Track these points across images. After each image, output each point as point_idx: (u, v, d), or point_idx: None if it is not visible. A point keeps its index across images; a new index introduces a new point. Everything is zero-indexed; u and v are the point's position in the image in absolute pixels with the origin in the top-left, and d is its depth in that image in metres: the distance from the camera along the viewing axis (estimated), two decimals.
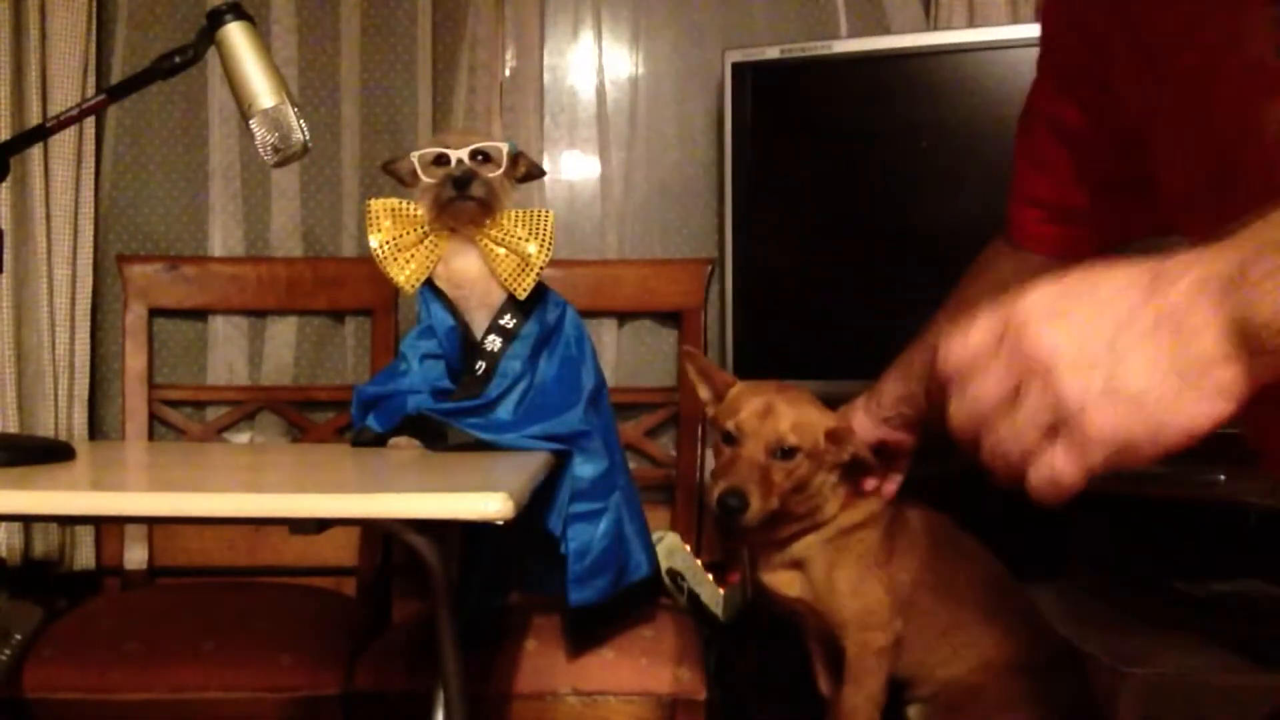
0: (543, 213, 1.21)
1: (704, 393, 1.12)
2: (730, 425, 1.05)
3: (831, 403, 1.10)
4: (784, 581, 1.12)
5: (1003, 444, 0.49)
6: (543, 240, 1.19)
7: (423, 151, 1.19)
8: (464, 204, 1.16)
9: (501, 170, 1.20)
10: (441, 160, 1.18)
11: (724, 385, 1.10)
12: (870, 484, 1.11)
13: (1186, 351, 0.43)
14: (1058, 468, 0.47)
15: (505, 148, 1.21)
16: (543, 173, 1.32)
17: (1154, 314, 0.44)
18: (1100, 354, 0.45)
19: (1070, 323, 0.46)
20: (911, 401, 1.06)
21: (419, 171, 1.18)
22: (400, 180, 1.24)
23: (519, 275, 1.18)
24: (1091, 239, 0.94)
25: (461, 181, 1.15)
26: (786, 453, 1.04)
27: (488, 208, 1.18)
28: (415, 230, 1.19)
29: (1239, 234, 0.45)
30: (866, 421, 1.09)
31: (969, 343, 0.50)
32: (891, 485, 1.12)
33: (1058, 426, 0.47)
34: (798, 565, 1.11)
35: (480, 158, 1.19)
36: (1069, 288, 0.47)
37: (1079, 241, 0.95)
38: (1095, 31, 0.81)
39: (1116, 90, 0.80)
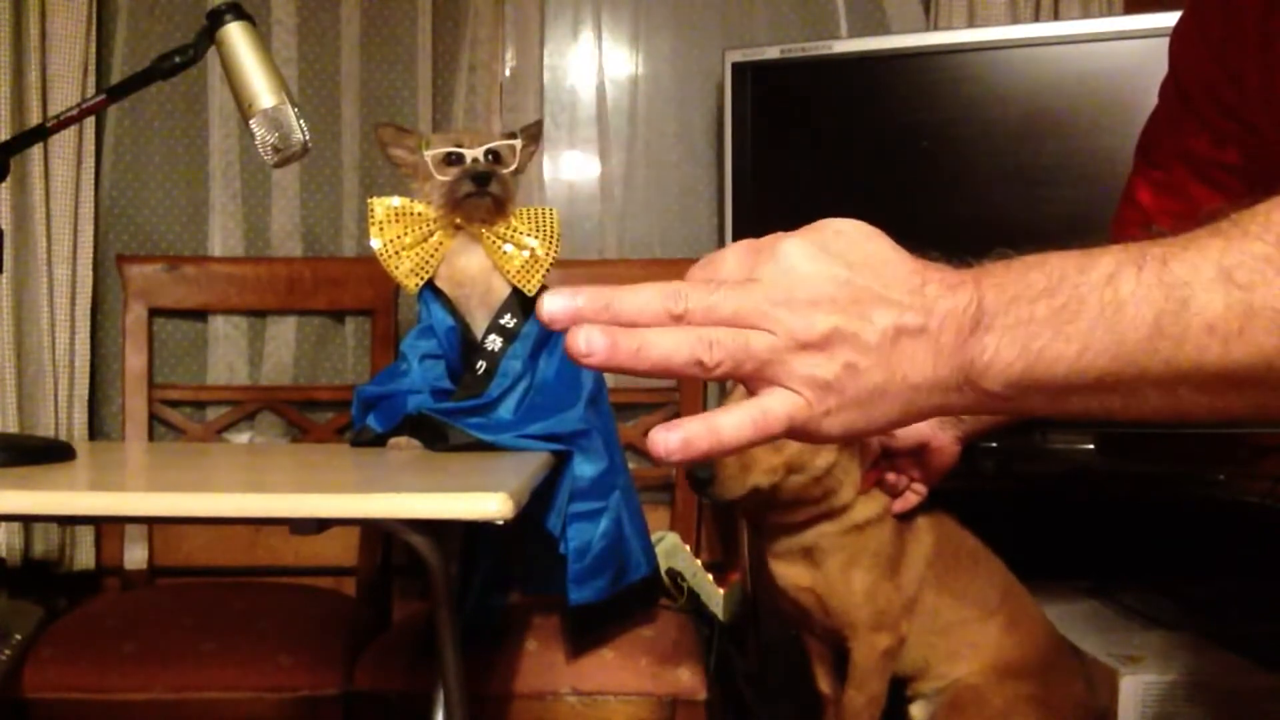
0: (548, 210, 1.22)
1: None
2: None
3: None
4: (795, 573, 1.11)
5: (721, 342, 0.45)
6: (549, 237, 1.20)
7: (434, 151, 1.19)
8: (480, 200, 1.17)
9: (513, 168, 1.21)
10: (453, 159, 1.19)
11: None
12: (892, 478, 1.10)
13: (932, 372, 0.47)
14: (770, 405, 0.46)
15: (518, 144, 1.22)
16: (539, 123, 1.34)
17: (920, 320, 0.46)
18: (867, 322, 0.46)
19: (840, 267, 0.46)
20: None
21: (431, 169, 1.19)
22: (393, 160, 1.25)
23: (527, 273, 1.19)
24: None
25: (481, 178, 1.16)
26: None
27: (502, 206, 1.19)
28: (418, 229, 1.19)
29: (1010, 268, 0.47)
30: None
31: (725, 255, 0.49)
32: (904, 503, 1.11)
33: (785, 362, 0.46)
34: (809, 554, 1.10)
35: (492, 157, 1.20)
36: (846, 245, 0.47)
37: None
38: (1232, 63, 0.80)
39: (1257, 127, 0.80)
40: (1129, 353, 0.45)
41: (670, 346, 0.45)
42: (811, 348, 0.45)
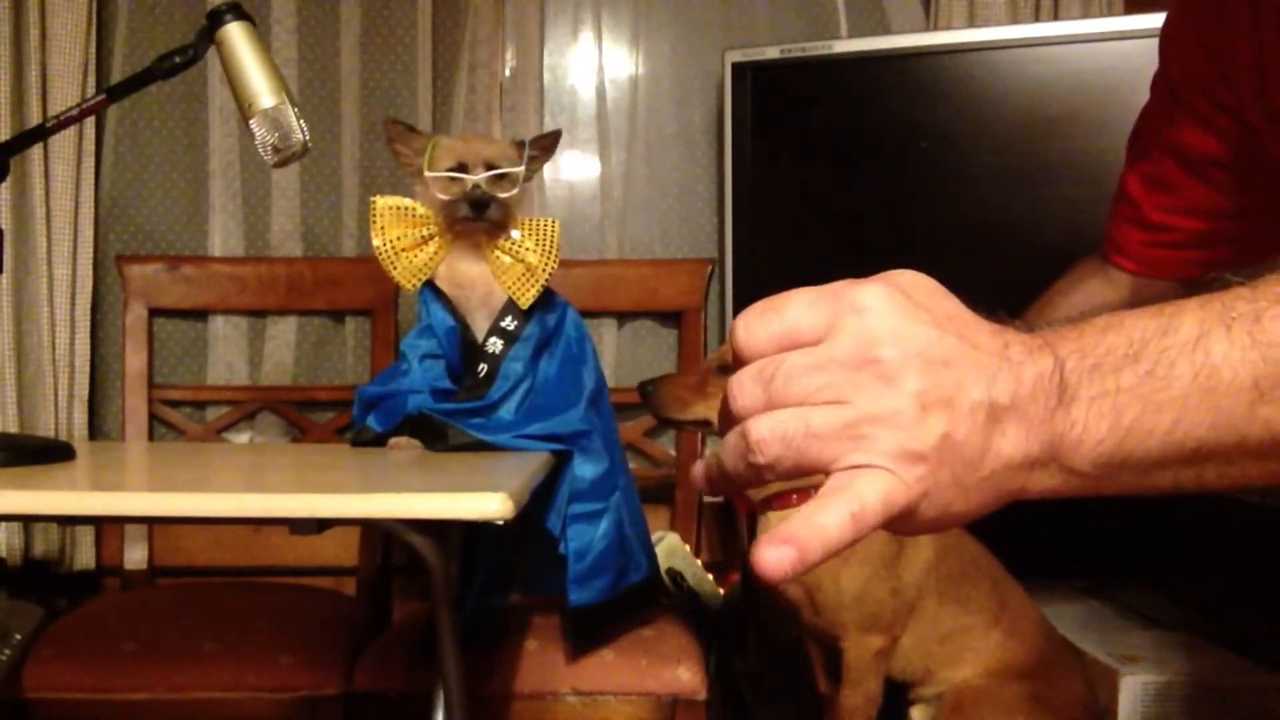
0: (549, 222, 1.21)
1: None
2: None
3: None
4: None
5: (801, 427, 0.40)
6: (548, 251, 1.19)
7: (436, 174, 1.18)
8: (477, 224, 1.17)
9: (516, 190, 1.19)
10: (458, 168, 1.18)
11: None
12: None
13: (1024, 445, 0.41)
14: (863, 490, 0.39)
15: (521, 170, 1.20)
16: (556, 134, 1.29)
17: (1011, 387, 0.41)
18: (960, 387, 0.40)
19: (926, 324, 0.41)
20: None
21: (428, 177, 1.18)
22: (396, 155, 1.23)
23: (523, 285, 1.19)
24: (1206, 263, 0.92)
25: (479, 205, 1.16)
26: (723, 369, 1.16)
27: (501, 227, 1.18)
28: (419, 230, 1.19)
29: (1083, 332, 0.43)
30: None
31: (790, 313, 0.42)
32: None
33: (867, 436, 0.39)
34: None
35: (494, 173, 1.19)
36: (927, 298, 0.42)
37: (1189, 264, 0.93)
38: (1224, 59, 0.80)
39: (1250, 122, 0.80)
40: (1227, 420, 0.42)
41: (729, 463, 0.42)
42: (901, 417, 0.39)
